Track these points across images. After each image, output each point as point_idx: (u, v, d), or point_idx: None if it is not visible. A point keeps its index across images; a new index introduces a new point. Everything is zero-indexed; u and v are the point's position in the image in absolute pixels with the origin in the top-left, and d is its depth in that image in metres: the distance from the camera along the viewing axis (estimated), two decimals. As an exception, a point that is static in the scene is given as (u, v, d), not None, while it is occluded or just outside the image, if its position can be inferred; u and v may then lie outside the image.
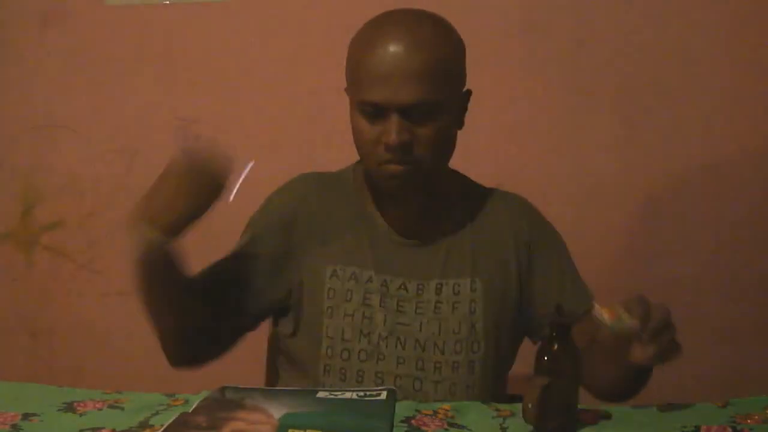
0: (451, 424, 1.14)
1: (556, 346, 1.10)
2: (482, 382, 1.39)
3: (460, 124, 1.38)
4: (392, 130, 1.26)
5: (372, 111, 1.28)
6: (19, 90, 2.29)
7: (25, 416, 1.17)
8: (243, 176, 1.23)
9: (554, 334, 1.10)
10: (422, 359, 1.37)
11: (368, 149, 1.31)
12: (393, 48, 1.26)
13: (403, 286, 1.38)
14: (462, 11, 2.13)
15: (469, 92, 1.39)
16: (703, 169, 2.11)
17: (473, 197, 1.46)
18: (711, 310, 2.13)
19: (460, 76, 1.36)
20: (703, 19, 2.08)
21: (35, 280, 2.32)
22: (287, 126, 2.18)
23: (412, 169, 1.30)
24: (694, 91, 2.10)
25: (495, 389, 1.42)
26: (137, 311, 2.26)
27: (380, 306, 1.37)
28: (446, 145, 1.35)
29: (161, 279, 1.27)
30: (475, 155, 2.11)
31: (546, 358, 1.10)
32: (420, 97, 1.26)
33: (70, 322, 2.32)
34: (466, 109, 1.39)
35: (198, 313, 1.37)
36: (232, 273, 1.41)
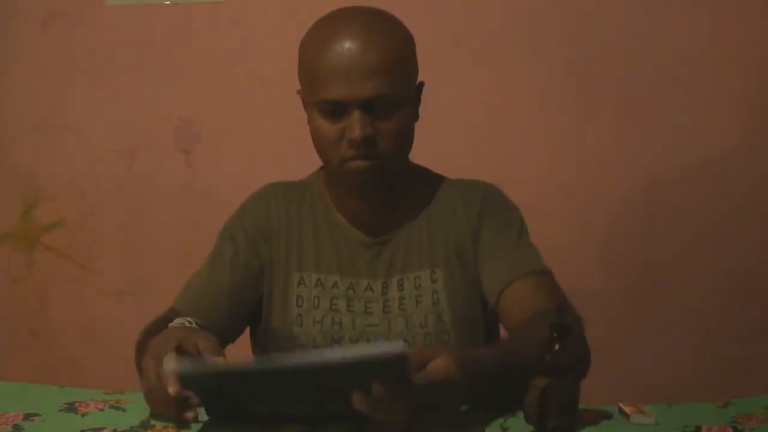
0: (452, 425, 1.14)
1: (556, 346, 1.10)
2: None
3: (416, 117, 1.39)
4: (356, 125, 1.27)
5: (332, 109, 1.29)
6: (19, 90, 2.29)
7: (27, 416, 1.17)
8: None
9: (554, 334, 1.10)
10: None
11: (331, 148, 1.31)
12: (348, 45, 1.28)
13: (368, 287, 1.39)
14: (463, 11, 2.15)
15: (421, 84, 1.39)
16: (705, 166, 2.11)
17: (432, 188, 1.44)
18: (711, 309, 2.13)
19: (414, 68, 1.38)
20: (703, 18, 2.09)
21: (35, 280, 2.32)
22: (287, 126, 2.18)
23: (377, 164, 1.30)
24: (694, 90, 2.10)
25: None
26: (137, 311, 2.26)
27: (347, 310, 1.38)
28: (407, 137, 1.36)
29: None
30: (475, 155, 2.13)
31: (546, 358, 1.10)
32: (380, 91, 1.28)
33: (70, 321, 2.32)
34: (419, 101, 1.39)
35: None
36: (217, 288, 1.41)
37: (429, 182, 1.46)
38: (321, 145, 1.34)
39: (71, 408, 1.21)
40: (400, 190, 1.41)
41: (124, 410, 1.20)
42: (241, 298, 1.41)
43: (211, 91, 2.23)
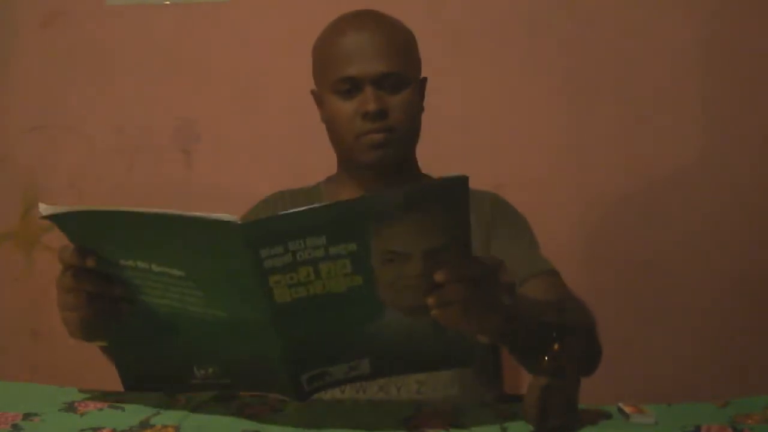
0: (452, 425, 1.14)
1: (556, 346, 1.10)
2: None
3: (422, 108, 1.48)
4: (369, 99, 1.38)
5: (347, 88, 1.39)
6: (20, 90, 2.29)
7: (26, 416, 1.17)
8: None
9: (554, 334, 1.10)
10: None
11: (346, 126, 1.40)
12: (359, 31, 1.41)
13: None
14: (462, 11, 2.15)
15: (425, 79, 1.50)
16: (704, 166, 2.11)
17: None
18: (711, 309, 2.13)
19: (418, 60, 1.49)
20: (703, 19, 2.09)
21: (36, 280, 2.32)
22: (287, 126, 2.19)
23: (390, 138, 1.39)
24: (694, 90, 2.10)
25: (479, 374, 1.43)
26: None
27: None
28: (415, 118, 1.45)
29: None
30: (475, 156, 2.13)
31: (546, 358, 1.10)
32: (390, 68, 1.39)
33: (70, 322, 2.32)
34: (424, 95, 1.50)
35: None
36: None
37: None
38: (337, 126, 1.41)
39: (70, 408, 1.21)
40: None
41: (123, 410, 1.20)
42: None
43: (211, 91, 2.23)
